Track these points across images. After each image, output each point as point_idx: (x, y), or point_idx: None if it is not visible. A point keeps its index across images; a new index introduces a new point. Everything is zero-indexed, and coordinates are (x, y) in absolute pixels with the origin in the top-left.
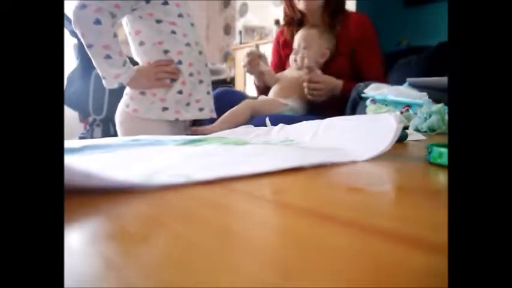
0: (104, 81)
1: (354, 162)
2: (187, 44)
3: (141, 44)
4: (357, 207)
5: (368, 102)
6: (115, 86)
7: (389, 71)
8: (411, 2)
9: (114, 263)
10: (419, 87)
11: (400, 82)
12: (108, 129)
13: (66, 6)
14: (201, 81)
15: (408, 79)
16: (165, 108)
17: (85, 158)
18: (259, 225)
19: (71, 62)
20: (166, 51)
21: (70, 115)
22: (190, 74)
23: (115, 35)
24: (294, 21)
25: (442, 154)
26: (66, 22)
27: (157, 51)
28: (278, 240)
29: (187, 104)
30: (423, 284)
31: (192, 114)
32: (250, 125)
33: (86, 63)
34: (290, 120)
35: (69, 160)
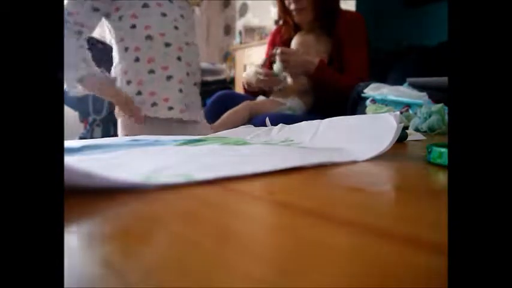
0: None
1: (354, 162)
2: (148, 37)
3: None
4: (357, 207)
5: (368, 102)
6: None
7: (389, 71)
8: (411, 2)
9: (113, 263)
10: (419, 87)
11: (400, 82)
12: (108, 129)
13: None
14: (169, 78)
15: (408, 79)
16: None
17: (85, 158)
18: (259, 225)
19: None
20: (126, 49)
21: (70, 115)
22: (151, 71)
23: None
24: (290, 22)
25: (442, 154)
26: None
27: (120, 49)
28: (278, 240)
29: (154, 104)
30: (423, 284)
31: (160, 114)
32: (250, 125)
33: None
34: (290, 119)
35: (69, 160)
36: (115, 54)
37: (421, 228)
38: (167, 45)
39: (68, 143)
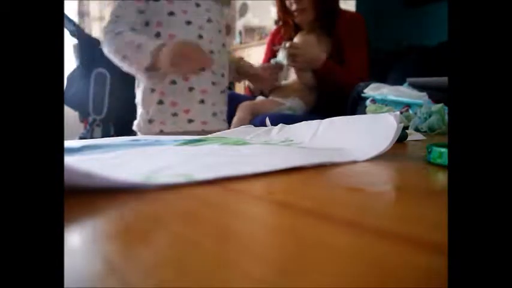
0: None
1: (354, 162)
2: None
3: None
4: (357, 207)
5: (368, 102)
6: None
7: (389, 71)
8: (411, 2)
9: (114, 263)
10: (419, 87)
11: (400, 82)
12: (108, 129)
13: (66, 6)
14: (191, 89)
15: (408, 79)
16: (151, 121)
17: (85, 158)
18: (259, 225)
19: (71, 62)
20: None
21: (70, 115)
22: (173, 82)
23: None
24: (290, 23)
25: (442, 154)
26: (66, 22)
27: None
28: (278, 240)
29: (175, 115)
30: (423, 284)
31: (179, 126)
32: (250, 125)
33: (86, 64)
34: (290, 119)
35: (69, 160)
36: None
37: (421, 228)
38: None
39: (68, 143)
